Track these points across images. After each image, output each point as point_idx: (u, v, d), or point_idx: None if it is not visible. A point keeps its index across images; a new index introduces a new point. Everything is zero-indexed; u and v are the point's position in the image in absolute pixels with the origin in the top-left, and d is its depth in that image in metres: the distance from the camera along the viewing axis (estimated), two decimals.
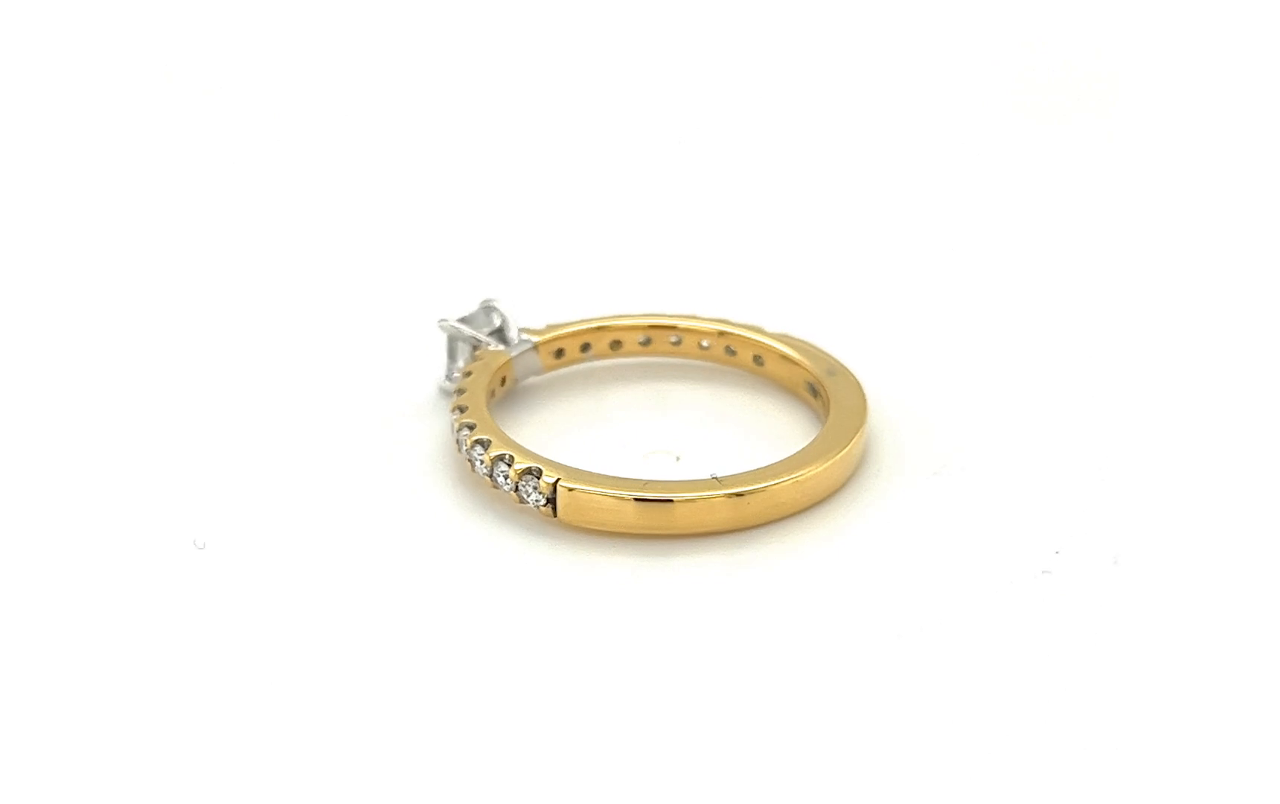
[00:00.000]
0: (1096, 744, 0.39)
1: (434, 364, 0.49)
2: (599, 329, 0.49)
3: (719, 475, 0.44)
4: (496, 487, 0.44)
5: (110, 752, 0.39)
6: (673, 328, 0.49)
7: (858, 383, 0.46)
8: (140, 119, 0.58)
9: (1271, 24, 0.59)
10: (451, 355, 0.48)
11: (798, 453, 0.44)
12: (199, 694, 0.40)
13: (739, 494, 0.43)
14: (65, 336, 0.50)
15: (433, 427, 0.47)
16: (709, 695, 0.40)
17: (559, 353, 0.48)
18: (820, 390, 0.47)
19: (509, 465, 0.44)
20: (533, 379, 0.48)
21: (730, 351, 0.48)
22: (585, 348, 0.48)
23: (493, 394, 0.47)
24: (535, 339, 0.48)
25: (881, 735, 0.39)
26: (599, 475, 0.44)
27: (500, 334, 0.48)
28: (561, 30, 0.61)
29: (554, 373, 0.49)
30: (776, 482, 0.44)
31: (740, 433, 0.47)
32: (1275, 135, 0.57)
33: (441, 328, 0.48)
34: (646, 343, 0.49)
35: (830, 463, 0.44)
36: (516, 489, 0.44)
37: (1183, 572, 0.43)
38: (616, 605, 0.42)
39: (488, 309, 0.48)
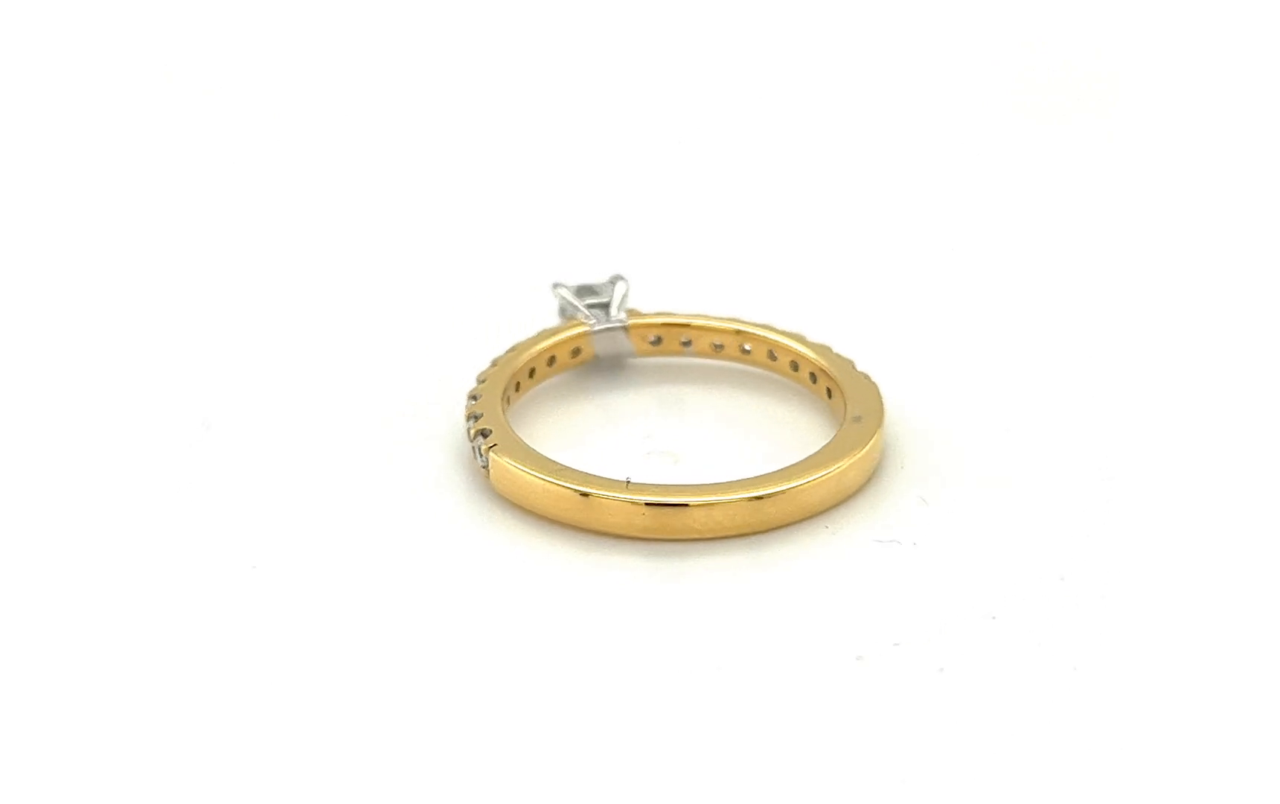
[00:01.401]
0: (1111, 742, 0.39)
1: (435, 364, 0.49)
2: (703, 328, 0.48)
3: (630, 479, 0.44)
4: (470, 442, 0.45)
5: (100, 746, 0.39)
6: (758, 338, 0.48)
7: (874, 385, 0.46)
8: (140, 119, 0.58)
9: (1271, 24, 0.59)
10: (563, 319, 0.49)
11: (812, 456, 0.44)
12: (195, 673, 0.41)
13: (759, 497, 0.43)
14: (65, 340, 0.50)
15: (434, 427, 0.47)
16: (708, 697, 0.40)
17: (657, 340, 0.49)
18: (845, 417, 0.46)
19: (473, 421, 0.45)
20: (628, 360, 0.49)
21: (797, 368, 0.48)
22: (686, 344, 0.49)
23: (552, 361, 0.48)
24: (627, 321, 0.48)
25: (884, 738, 0.39)
26: (537, 455, 0.44)
27: (604, 308, 0.48)
28: (562, 29, 0.61)
29: (647, 358, 0.49)
30: (796, 484, 0.44)
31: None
32: (1275, 135, 0.57)
33: (554, 294, 0.49)
34: (746, 351, 0.48)
35: (845, 466, 0.44)
36: (475, 446, 0.45)
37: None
38: (619, 607, 0.42)
39: (612, 281, 0.49)
